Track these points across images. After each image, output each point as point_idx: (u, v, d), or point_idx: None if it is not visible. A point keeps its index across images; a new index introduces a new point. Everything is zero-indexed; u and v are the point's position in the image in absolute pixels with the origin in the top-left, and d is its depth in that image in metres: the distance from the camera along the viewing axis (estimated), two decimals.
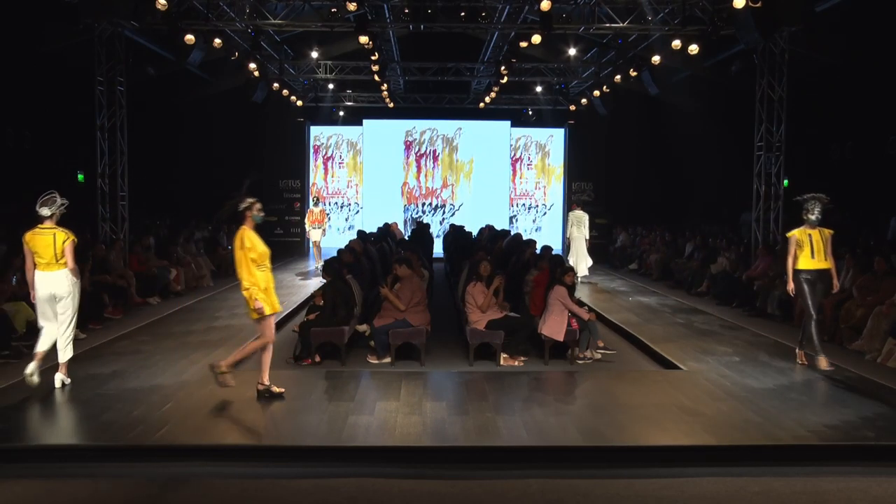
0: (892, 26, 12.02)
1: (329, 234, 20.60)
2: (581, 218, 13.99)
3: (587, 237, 13.94)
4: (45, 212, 6.35)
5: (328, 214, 18.47)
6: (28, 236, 6.30)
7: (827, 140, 15.72)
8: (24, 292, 8.01)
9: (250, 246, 5.94)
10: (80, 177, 17.22)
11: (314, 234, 15.48)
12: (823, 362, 6.92)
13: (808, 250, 7.24)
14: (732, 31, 11.20)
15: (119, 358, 7.49)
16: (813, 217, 7.32)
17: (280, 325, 9.76)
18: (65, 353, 6.32)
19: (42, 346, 6.21)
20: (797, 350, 7.55)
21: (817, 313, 7.20)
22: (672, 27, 11.87)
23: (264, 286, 6.01)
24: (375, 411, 5.88)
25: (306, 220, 15.77)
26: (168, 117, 18.12)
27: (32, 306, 7.19)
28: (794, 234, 7.39)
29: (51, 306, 6.25)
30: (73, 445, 5.04)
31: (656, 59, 13.23)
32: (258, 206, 6.12)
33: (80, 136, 13.79)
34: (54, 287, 6.22)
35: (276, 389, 6.21)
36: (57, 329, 6.26)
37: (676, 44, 11.80)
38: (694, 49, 11.55)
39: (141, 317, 9.82)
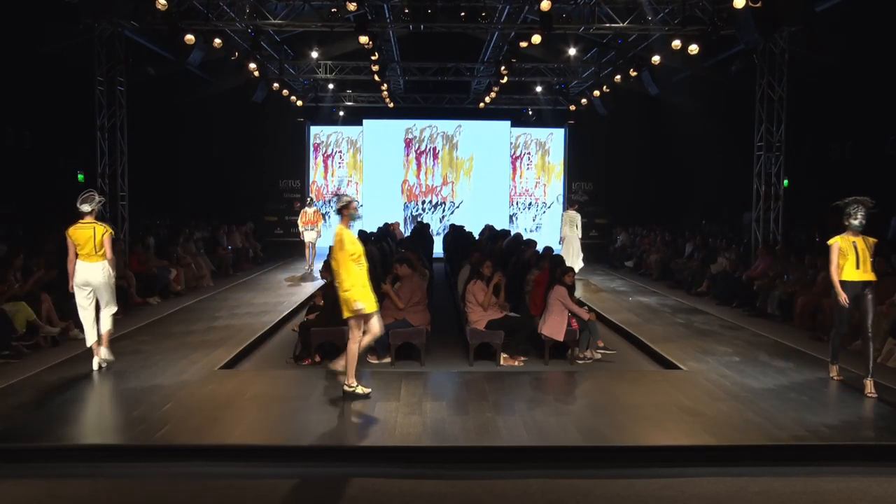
0: (892, 26, 12.02)
1: (330, 233, 20.65)
2: (574, 218, 14.35)
3: (580, 236, 14.34)
4: (85, 208, 6.92)
5: (324, 215, 18.34)
6: (71, 230, 6.90)
7: (827, 140, 15.72)
8: (24, 292, 8.06)
9: (350, 246, 6.03)
10: (80, 177, 17.22)
11: (308, 236, 15.15)
12: (868, 385, 6.35)
13: (854, 259, 6.62)
14: (732, 31, 11.20)
15: (119, 358, 7.46)
16: (856, 223, 6.68)
17: (280, 325, 9.79)
18: (105, 325, 6.99)
19: (90, 339, 6.96)
20: (830, 364, 6.99)
21: (864, 332, 6.59)
22: (672, 27, 11.87)
23: (363, 283, 6.09)
24: (375, 411, 5.88)
25: (300, 221, 15.30)
26: (168, 117, 18.13)
27: (36, 306, 7.31)
28: (837, 241, 6.72)
29: (86, 293, 6.93)
30: (74, 445, 5.04)
31: (656, 59, 13.24)
32: (354, 204, 6.22)
33: (80, 136, 13.79)
34: (91, 276, 6.90)
35: (362, 390, 6.25)
36: (96, 312, 6.98)
37: (676, 44, 11.80)
38: (694, 49, 11.55)
39: (141, 317, 9.82)
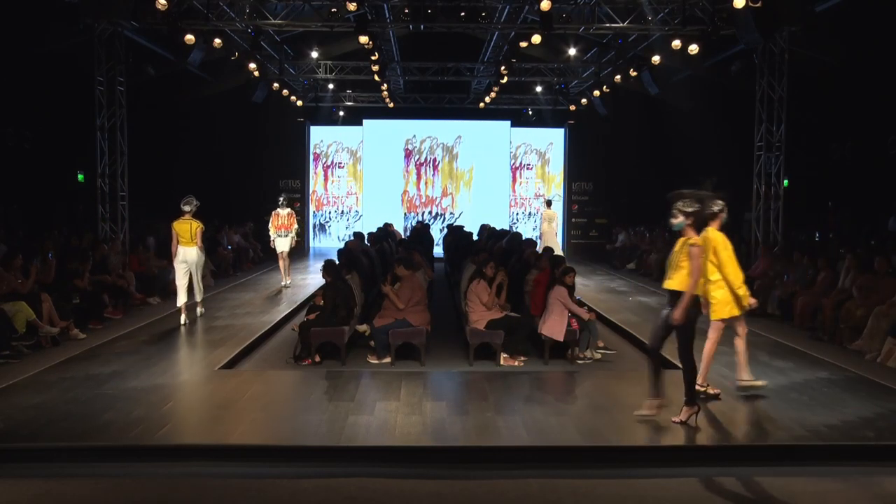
0: (892, 26, 12.02)
1: (331, 241, 20.69)
2: (552, 216, 15.74)
3: (557, 232, 16.05)
4: (186, 208, 9.38)
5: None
6: (175, 224, 9.36)
7: (827, 140, 15.72)
8: (24, 291, 8.08)
9: (729, 245, 6.14)
10: (80, 177, 17.23)
11: (280, 244, 12.55)
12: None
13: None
14: (732, 31, 11.21)
15: (119, 358, 7.49)
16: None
17: (280, 325, 9.79)
18: (199, 295, 9.65)
19: (180, 300, 9.32)
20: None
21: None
22: (672, 27, 11.87)
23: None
24: (375, 411, 5.88)
25: (270, 226, 12.68)
26: (168, 117, 18.12)
27: (36, 306, 7.37)
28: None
29: (184, 269, 9.32)
30: (74, 445, 5.04)
31: (656, 59, 13.24)
32: (726, 209, 6.27)
33: (80, 136, 13.80)
34: (188, 256, 9.35)
35: (712, 391, 6.24)
36: (195, 284, 9.47)
37: (676, 44, 11.80)
38: (694, 49, 11.55)
39: (141, 317, 9.82)
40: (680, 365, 5.68)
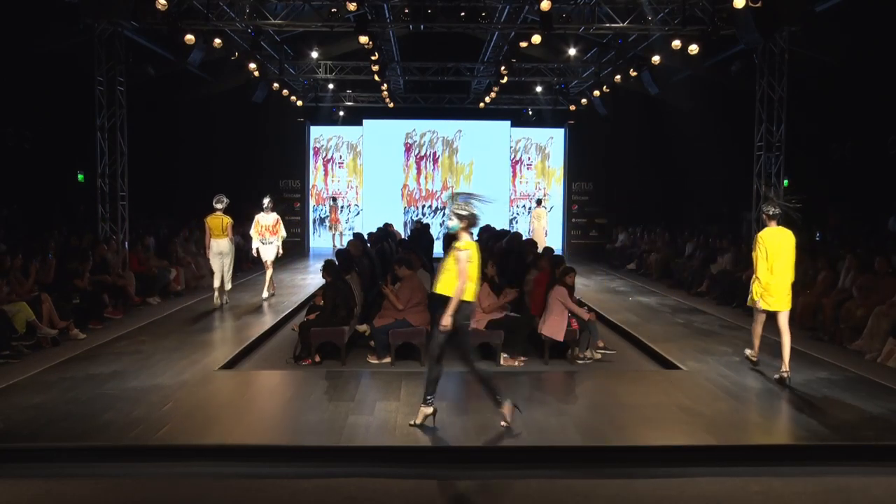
0: (892, 26, 12.01)
1: (330, 236, 20.70)
2: (541, 214, 16.91)
3: (546, 228, 16.98)
4: (218, 206, 10.52)
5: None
6: (208, 219, 10.56)
7: (827, 140, 15.71)
8: (23, 290, 8.08)
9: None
10: (80, 177, 17.23)
11: (266, 252, 11.29)
12: None
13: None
14: (732, 31, 11.20)
15: (119, 358, 7.49)
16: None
17: (280, 325, 9.79)
18: (227, 285, 10.78)
19: (216, 283, 10.62)
20: None
21: None
22: (672, 27, 11.87)
23: None
24: (375, 411, 5.88)
25: (253, 231, 11.46)
26: (168, 117, 18.12)
27: (36, 306, 7.42)
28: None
29: (219, 261, 10.53)
30: (73, 445, 5.04)
31: (656, 59, 13.23)
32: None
33: (80, 136, 13.80)
34: (221, 248, 10.53)
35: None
36: (223, 274, 10.62)
37: (676, 44, 11.80)
38: (694, 49, 11.55)
39: (141, 317, 9.82)
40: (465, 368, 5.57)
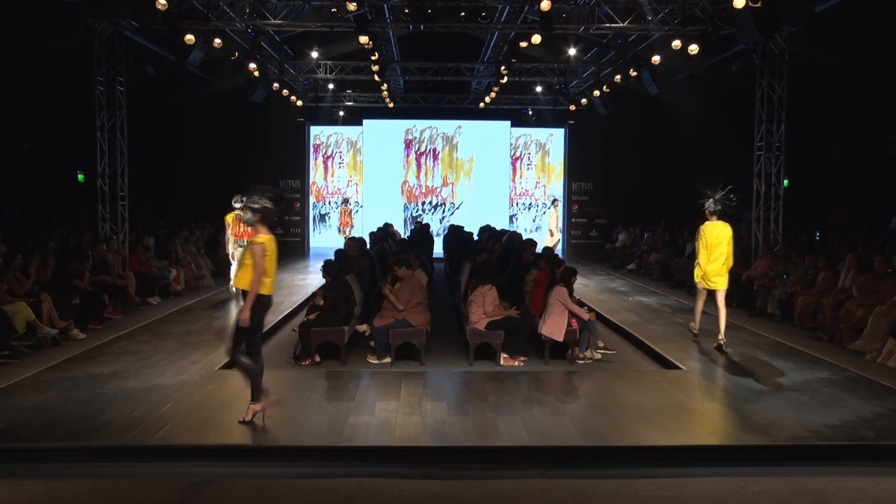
0: (892, 26, 12.02)
1: (331, 233, 20.72)
2: (552, 213, 16.93)
3: (552, 228, 16.82)
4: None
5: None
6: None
7: (827, 140, 15.72)
8: (23, 290, 8.08)
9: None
10: (80, 177, 17.22)
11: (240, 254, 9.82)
12: None
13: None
14: (732, 31, 11.19)
15: (119, 358, 7.49)
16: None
17: (280, 325, 9.79)
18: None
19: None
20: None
21: None
22: (672, 27, 11.86)
23: None
24: (375, 411, 5.88)
25: (230, 233, 11.03)
26: (168, 117, 18.11)
27: (36, 306, 7.45)
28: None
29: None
30: (73, 445, 5.04)
31: (656, 59, 13.22)
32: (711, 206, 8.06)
33: (80, 136, 13.79)
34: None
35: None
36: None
37: (676, 44, 11.79)
38: (694, 49, 11.54)
39: (141, 317, 9.82)
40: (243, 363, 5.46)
